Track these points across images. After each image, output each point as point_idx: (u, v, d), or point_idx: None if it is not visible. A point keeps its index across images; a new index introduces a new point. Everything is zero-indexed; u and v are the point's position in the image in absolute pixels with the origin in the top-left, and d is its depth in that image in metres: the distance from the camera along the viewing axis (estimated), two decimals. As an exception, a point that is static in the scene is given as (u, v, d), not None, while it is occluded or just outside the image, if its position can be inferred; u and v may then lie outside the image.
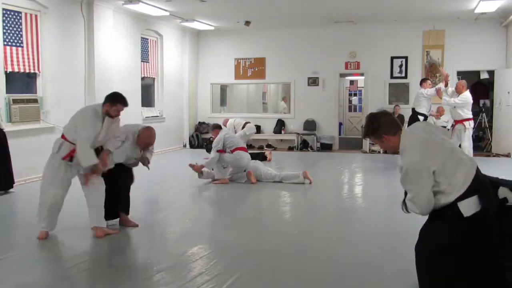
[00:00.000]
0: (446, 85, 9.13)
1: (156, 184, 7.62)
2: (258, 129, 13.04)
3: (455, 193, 2.57)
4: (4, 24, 7.38)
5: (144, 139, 4.96)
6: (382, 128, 2.77)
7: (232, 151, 7.69)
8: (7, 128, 7.09)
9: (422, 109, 9.39)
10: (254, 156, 9.54)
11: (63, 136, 4.66)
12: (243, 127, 10.58)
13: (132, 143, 4.95)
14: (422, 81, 9.72)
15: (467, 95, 8.70)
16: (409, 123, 9.63)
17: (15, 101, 7.48)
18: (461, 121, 8.71)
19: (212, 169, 7.83)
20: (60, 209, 4.73)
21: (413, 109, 9.49)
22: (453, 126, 9.00)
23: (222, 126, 8.52)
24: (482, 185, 2.60)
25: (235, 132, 10.09)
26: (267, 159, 10.15)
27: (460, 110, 8.70)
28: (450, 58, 11.66)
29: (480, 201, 2.56)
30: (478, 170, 2.66)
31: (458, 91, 8.75)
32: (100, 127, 4.58)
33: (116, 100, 4.61)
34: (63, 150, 4.60)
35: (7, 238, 4.76)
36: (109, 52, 9.52)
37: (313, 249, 4.48)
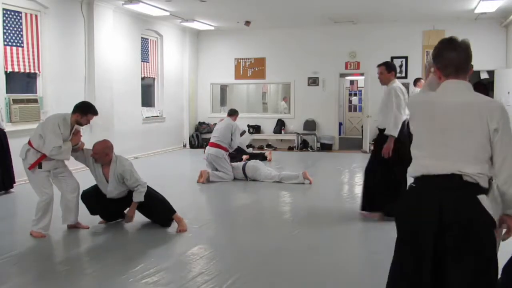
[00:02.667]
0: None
1: (155, 184, 7.58)
2: (258, 129, 13.06)
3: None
4: (4, 24, 7.38)
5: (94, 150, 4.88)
6: (442, 64, 2.27)
7: None
8: (7, 128, 7.09)
9: None
10: (254, 156, 9.57)
11: (29, 142, 4.71)
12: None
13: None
14: (417, 81, 9.71)
15: None
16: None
17: (15, 101, 7.49)
18: None
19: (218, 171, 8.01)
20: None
21: None
22: None
23: (226, 119, 8.37)
24: (415, 188, 2.23)
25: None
26: (267, 159, 10.16)
27: None
28: (450, 58, 11.64)
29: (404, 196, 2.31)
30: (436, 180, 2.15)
31: None
32: (69, 135, 4.71)
33: (87, 111, 4.79)
34: (29, 158, 4.65)
35: (7, 238, 4.76)
36: (109, 52, 9.52)
37: (313, 249, 4.48)
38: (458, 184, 2.11)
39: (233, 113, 8.39)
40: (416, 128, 2.29)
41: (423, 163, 2.20)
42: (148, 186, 5.05)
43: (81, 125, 4.82)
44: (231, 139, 7.99)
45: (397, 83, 5.40)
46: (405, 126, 5.20)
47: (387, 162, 5.24)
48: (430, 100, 2.26)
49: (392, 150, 5.17)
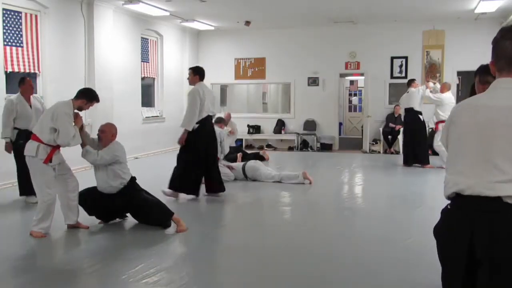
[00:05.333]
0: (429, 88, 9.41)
1: (155, 184, 7.61)
2: (258, 129, 13.06)
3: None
4: (4, 24, 7.38)
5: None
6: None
7: None
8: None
9: (419, 108, 9.38)
10: (251, 157, 9.58)
11: (35, 138, 4.64)
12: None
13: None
14: (411, 82, 9.68)
15: (443, 96, 8.96)
16: (407, 124, 9.59)
17: (15, 101, 7.48)
18: (438, 122, 8.96)
19: None
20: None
21: (411, 109, 9.39)
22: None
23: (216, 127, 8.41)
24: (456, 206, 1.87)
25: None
26: (265, 158, 10.16)
27: (439, 109, 8.88)
28: (450, 58, 11.66)
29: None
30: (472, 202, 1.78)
31: (441, 91, 9.08)
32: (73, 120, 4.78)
33: (93, 98, 4.90)
34: (41, 153, 4.58)
35: (7, 238, 4.76)
36: (109, 52, 9.52)
37: (313, 249, 4.48)
38: (497, 207, 1.69)
39: (220, 121, 8.38)
40: (453, 138, 1.90)
41: (456, 180, 1.82)
42: (143, 190, 5.08)
43: (81, 110, 4.86)
44: (221, 146, 7.99)
45: (200, 85, 6.32)
46: (206, 125, 6.28)
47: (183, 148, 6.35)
48: (474, 104, 1.87)
49: (185, 140, 6.20)
